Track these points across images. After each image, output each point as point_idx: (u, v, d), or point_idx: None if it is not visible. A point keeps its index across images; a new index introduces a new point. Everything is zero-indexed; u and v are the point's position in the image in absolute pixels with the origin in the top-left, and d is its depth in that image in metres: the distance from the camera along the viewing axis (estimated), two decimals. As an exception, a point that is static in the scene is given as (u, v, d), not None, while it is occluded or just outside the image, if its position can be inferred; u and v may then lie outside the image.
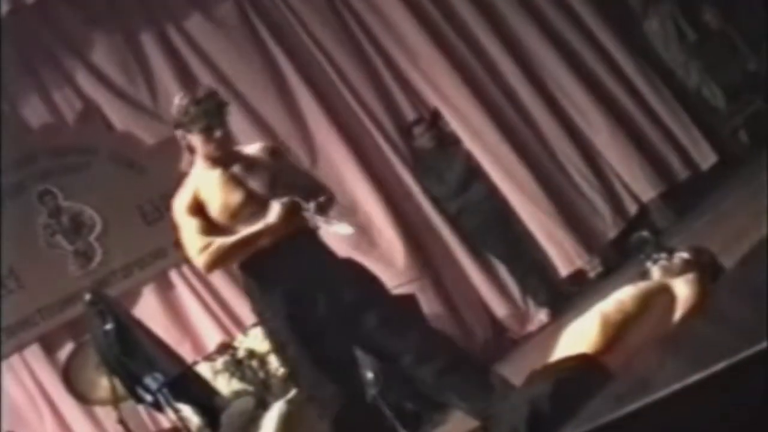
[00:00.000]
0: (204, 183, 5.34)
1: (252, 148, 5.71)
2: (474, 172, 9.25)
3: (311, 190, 5.46)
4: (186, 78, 8.97)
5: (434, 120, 9.42)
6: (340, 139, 9.02)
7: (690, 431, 1.97)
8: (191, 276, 8.60)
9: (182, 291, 8.59)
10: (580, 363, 3.57)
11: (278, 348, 5.46)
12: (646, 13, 9.93)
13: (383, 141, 9.26)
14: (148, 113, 8.95)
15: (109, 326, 5.38)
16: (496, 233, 9.19)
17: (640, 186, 9.48)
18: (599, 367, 3.50)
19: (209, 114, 5.28)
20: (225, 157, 5.36)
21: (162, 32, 9.12)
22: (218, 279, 8.63)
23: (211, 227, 5.26)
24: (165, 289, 8.58)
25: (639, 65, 9.80)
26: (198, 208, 5.29)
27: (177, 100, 5.42)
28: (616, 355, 3.55)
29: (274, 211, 5.15)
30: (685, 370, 1.94)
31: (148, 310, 8.26)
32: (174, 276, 8.62)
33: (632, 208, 9.51)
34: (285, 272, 5.23)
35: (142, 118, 8.91)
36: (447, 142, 9.39)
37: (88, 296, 5.57)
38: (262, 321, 5.50)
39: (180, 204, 5.38)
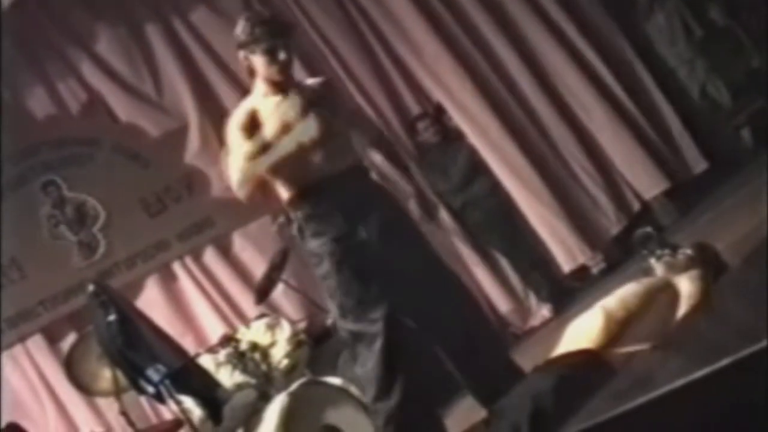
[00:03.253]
0: (264, 106, 5.22)
1: (312, 80, 5.65)
2: (478, 167, 9.26)
3: (368, 130, 5.45)
4: (191, 70, 8.98)
5: (438, 115, 9.42)
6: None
7: (691, 428, 1.97)
8: (194, 268, 8.63)
9: (185, 283, 8.61)
10: (583, 359, 3.58)
11: (324, 279, 5.34)
12: (651, 9, 9.92)
13: (388, 135, 9.26)
14: (153, 105, 8.97)
15: (111, 318, 5.36)
16: (500, 228, 9.20)
17: (642, 183, 9.48)
18: (602, 363, 3.51)
19: (274, 35, 5.16)
20: (286, 84, 5.27)
21: (167, 24, 9.13)
22: (221, 271, 8.66)
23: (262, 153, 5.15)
24: (168, 281, 8.60)
25: (642, 63, 9.80)
26: (252, 127, 5.15)
27: (242, 20, 5.26)
28: (618, 352, 3.55)
29: (307, 127, 5.06)
30: (686, 368, 1.94)
31: (151, 301, 8.27)
32: (177, 268, 8.64)
33: (635, 205, 9.52)
34: (339, 200, 5.13)
35: (147, 110, 8.92)
36: (451, 137, 9.39)
37: (91, 287, 5.56)
38: (311, 251, 5.36)
39: (235, 122, 5.22)
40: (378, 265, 5.19)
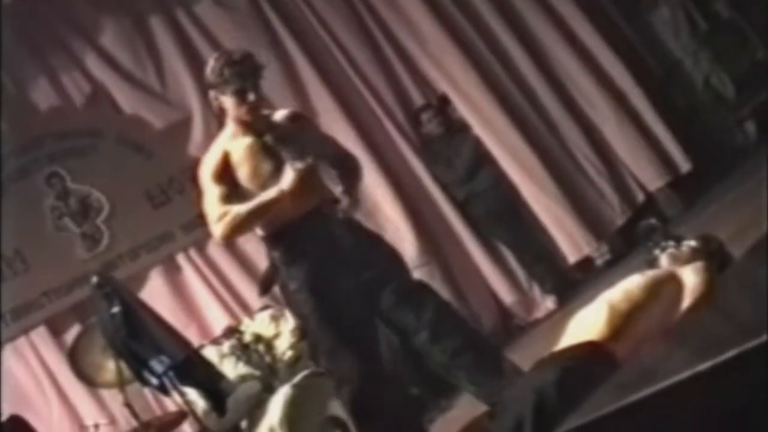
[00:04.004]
0: (234, 148, 5.24)
1: (280, 114, 5.65)
2: (482, 159, 9.25)
3: (338, 159, 5.47)
4: (194, 62, 8.97)
5: (442, 106, 9.41)
6: (349, 124, 9.01)
7: (694, 421, 1.97)
8: (198, 260, 8.63)
9: (189, 274, 8.61)
10: (587, 351, 3.57)
11: (299, 320, 5.42)
12: (656, 1, 9.90)
13: (392, 126, 9.26)
14: (157, 97, 8.97)
15: (115, 309, 5.37)
16: (504, 220, 9.20)
17: (647, 175, 9.48)
18: (606, 355, 3.50)
19: (243, 76, 5.17)
20: (256, 122, 5.27)
21: (171, 16, 9.13)
22: (225, 263, 8.66)
23: (235, 194, 5.16)
24: (172, 272, 8.60)
25: (647, 55, 9.80)
26: (225, 173, 5.18)
27: (212, 61, 5.29)
28: (623, 344, 3.54)
29: (288, 177, 5.09)
30: (689, 361, 1.94)
31: (155, 293, 8.27)
32: (181, 259, 8.64)
33: (640, 196, 9.51)
34: (309, 246, 5.17)
35: (151, 101, 8.92)
36: (455, 128, 9.38)
37: (94, 279, 5.56)
38: (285, 293, 5.46)
39: (207, 168, 5.26)
40: (353, 310, 5.24)
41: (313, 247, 5.19)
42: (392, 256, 5.57)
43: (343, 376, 5.26)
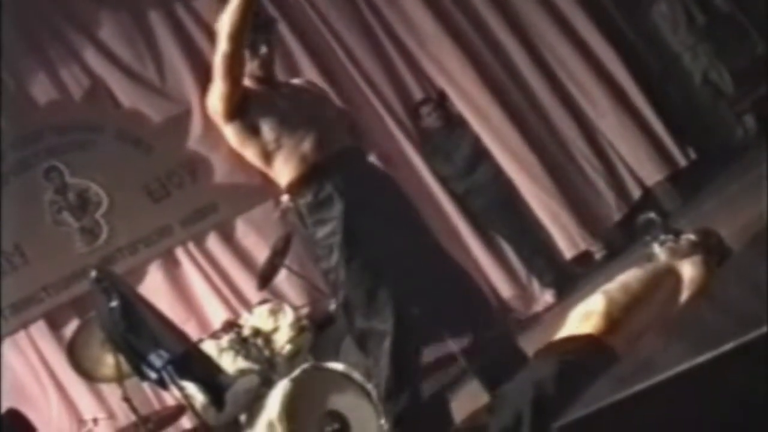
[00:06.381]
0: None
1: (297, 79, 5.65)
2: (482, 153, 9.25)
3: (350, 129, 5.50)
4: (194, 56, 8.97)
5: (441, 99, 9.41)
6: (348, 118, 9.01)
7: (693, 413, 1.97)
8: (197, 254, 8.63)
9: (188, 269, 8.61)
10: (585, 344, 3.57)
11: (328, 275, 5.30)
12: (655, -5, 9.91)
13: (391, 121, 9.26)
14: (156, 91, 8.96)
15: (114, 303, 5.36)
16: (503, 214, 9.20)
17: (645, 170, 9.48)
18: (605, 348, 3.50)
19: (254, 29, 5.11)
20: (269, 79, 5.26)
21: (170, 10, 9.12)
22: (224, 257, 8.66)
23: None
24: (171, 266, 8.60)
25: (646, 49, 9.79)
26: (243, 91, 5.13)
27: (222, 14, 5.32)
28: (621, 337, 3.54)
29: None
30: (688, 353, 1.94)
31: (154, 287, 8.27)
32: (180, 254, 8.64)
33: (636, 192, 9.51)
34: (341, 184, 5.07)
35: (150, 95, 8.92)
36: (455, 122, 9.38)
37: (93, 273, 5.55)
38: (311, 247, 5.34)
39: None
40: (385, 254, 5.15)
41: (345, 185, 5.09)
42: (422, 218, 5.56)
43: (381, 330, 5.10)
